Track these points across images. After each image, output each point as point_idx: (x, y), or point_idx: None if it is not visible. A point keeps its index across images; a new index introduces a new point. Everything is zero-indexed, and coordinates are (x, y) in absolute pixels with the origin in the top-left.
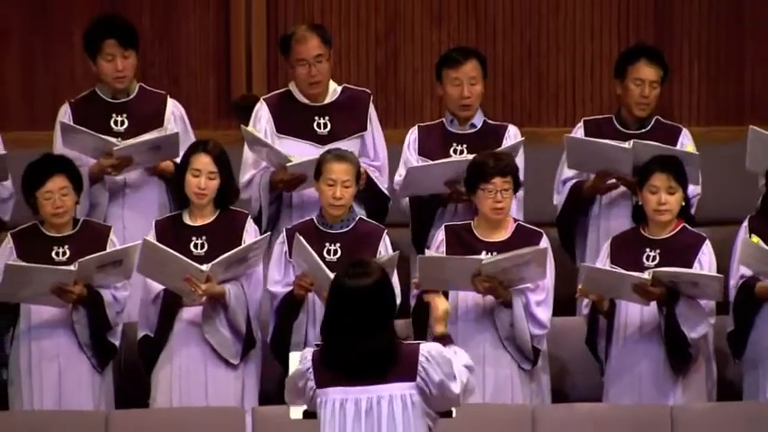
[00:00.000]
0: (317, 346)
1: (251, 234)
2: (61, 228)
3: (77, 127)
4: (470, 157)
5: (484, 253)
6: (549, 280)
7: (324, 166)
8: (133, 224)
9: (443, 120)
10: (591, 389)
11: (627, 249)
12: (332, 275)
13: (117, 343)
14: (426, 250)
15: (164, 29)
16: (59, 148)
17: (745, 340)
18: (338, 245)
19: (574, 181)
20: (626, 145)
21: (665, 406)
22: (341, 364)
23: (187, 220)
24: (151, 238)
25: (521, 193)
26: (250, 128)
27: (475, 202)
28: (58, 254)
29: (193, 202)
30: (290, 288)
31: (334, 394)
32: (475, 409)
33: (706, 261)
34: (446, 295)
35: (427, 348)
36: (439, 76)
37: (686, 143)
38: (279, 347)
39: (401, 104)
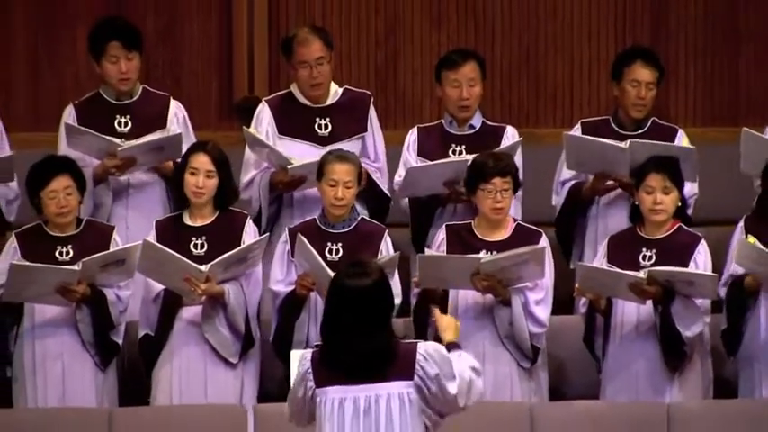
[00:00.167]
0: (316, 347)
1: (250, 234)
2: (65, 228)
3: (82, 128)
4: (468, 157)
5: (483, 252)
6: (548, 279)
7: (326, 167)
8: (137, 224)
9: (442, 121)
10: (588, 386)
11: (623, 249)
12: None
13: (120, 341)
14: (426, 249)
15: (167, 31)
16: (64, 149)
17: (738, 337)
18: (340, 244)
19: (572, 182)
20: (623, 145)
21: (662, 404)
22: (340, 364)
23: (187, 220)
24: (152, 238)
25: (519, 193)
26: (251, 129)
27: (475, 202)
28: (61, 253)
29: (192, 202)
30: (292, 287)
31: (333, 393)
32: (474, 406)
33: (701, 261)
34: (446, 293)
35: (425, 347)
36: (438, 77)
37: (683, 144)
38: (281, 346)
39: (401, 105)
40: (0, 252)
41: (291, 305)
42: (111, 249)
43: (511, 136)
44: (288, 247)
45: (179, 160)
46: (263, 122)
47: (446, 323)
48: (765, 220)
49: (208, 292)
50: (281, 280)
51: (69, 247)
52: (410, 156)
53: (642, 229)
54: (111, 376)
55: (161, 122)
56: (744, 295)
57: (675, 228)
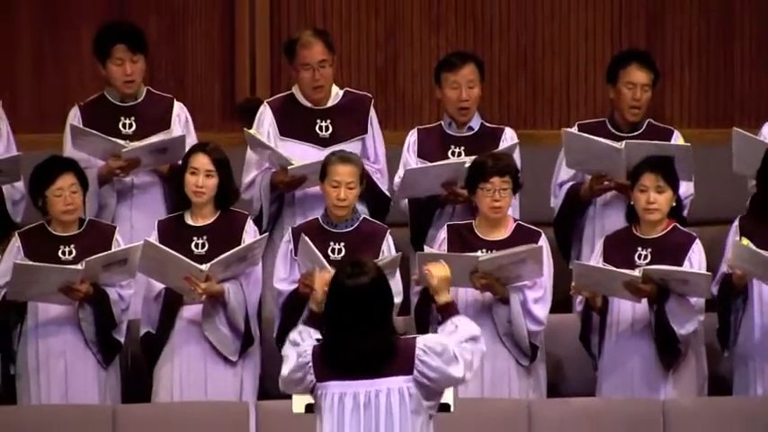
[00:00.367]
0: (317, 341)
1: (250, 234)
2: (68, 227)
3: (87, 129)
4: (465, 159)
5: (483, 251)
6: (546, 278)
7: (329, 168)
8: (141, 224)
9: (442, 122)
10: (585, 384)
11: (619, 248)
12: None
13: (122, 340)
14: (426, 248)
15: (170, 33)
16: (69, 150)
17: (727, 332)
18: (342, 244)
19: (570, 184)
20: (619, 145)
21: (658, 401)
22: (341, 361)
23: (188, 220)
24: (154, 237)
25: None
26: (253, 131)
27: (475, 201)
28: (64, 253)
29: (193, 202)
30: (295, 285)
31: (334, 388)
32: (471, 403)
33: (696, 260)
34: None
35: (424, 341)
36: (438, 79)
37: None
38: (283, 343)
39: (400, 107)
40: (4, 252)
41: (294, 303)
42: (114, 249)
43: (509, 137)
44: (291, 246)
45: (180, 162)
46: (265, 124)
47: (437, 282)
48: (760, 220)
49: (208, 291)
50: (285, 278)
51: (72, 246)
52: (410, 157)
53: (638, 228)
54: (113, 374)
55: (164, 124)
56: (734, 290)
57: (670, 227)
